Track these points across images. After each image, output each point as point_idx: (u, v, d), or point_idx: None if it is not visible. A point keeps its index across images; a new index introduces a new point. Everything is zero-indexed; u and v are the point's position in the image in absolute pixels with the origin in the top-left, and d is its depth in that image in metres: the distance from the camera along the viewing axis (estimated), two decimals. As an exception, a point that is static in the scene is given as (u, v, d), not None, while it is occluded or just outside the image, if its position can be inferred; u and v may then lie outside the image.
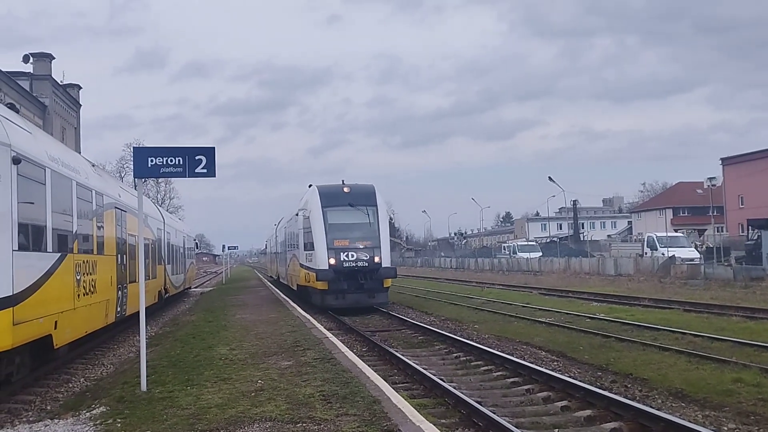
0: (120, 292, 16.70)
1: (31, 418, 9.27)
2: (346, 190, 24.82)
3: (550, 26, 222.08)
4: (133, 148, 11.36)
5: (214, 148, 10.06)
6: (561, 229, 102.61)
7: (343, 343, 14.07)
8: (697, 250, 44.51)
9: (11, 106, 12.75)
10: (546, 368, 11.85)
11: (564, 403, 9.62)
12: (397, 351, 14.47)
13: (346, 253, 23.16)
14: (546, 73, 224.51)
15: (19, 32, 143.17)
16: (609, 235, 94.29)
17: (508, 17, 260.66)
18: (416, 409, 8.02)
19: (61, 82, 48.38)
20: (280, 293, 31.48)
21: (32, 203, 10.47)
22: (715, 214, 55.36)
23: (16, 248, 9.59)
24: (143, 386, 9.70)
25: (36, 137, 11.54)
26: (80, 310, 12.80)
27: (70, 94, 50.85)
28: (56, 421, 8.60)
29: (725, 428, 8.29)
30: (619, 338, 15.05)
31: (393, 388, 9.28)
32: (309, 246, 24.54)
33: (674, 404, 9.46)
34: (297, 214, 27.04)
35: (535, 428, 8.51)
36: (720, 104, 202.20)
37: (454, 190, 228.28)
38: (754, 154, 63.46)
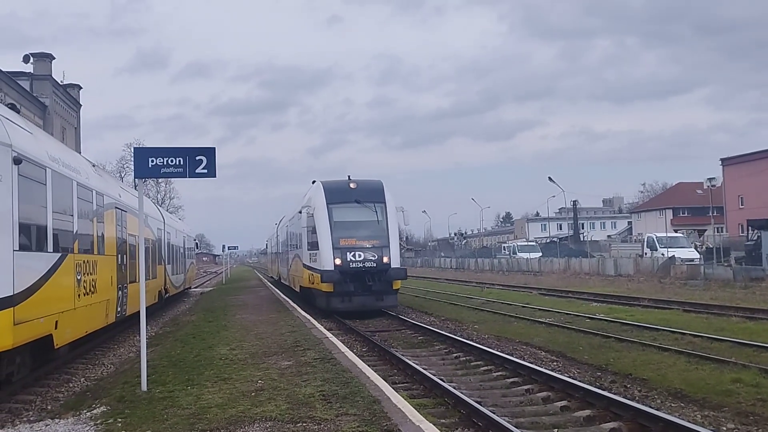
0: (120, 292, 16.72)
1: (31, 418, 9.28)
2: (352, 185, 23.41)
3: (550, 27, 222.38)
4: (134, 148, 11.38)
5: (214, 148, 10.09)
6: (561, 229, 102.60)
7: (343, 343, 14.08)
8: (697, 251, 44.51)
9: (12, 107, 12.77)
10: (546, 368, 11.87)
11: (563, 403, 9.63)
12: (397, 351, 14.49)
13: (352, 253, 21.82)
14: (546, 73, 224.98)
15: (21, 33, 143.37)
16: (609, 236, 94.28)
17: (509, 18, 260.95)
18: (416, 409, 8.03)
19: (61, 82, 48.39)
20: (280, 293, 31.49)
21: (33, 203, 10.48)
22: (715, 214, 55.33)
23: (17, 248, 9.60)
24: (144, 386, 9.72)
25: (37, 137, 11.56)
26: (80, 310, 12.81)
27: (70, 94, 50.86)
28: (57, 420, 8.62)
29: (724, 428, 8.30)
30: (618, 338, 15.06)
31: (393, 388, 9.29)
32: (313, 245, 23.14)
33: (673, 404, 9.47)
34: (300, 212, 25.33)
35: (535, 428, 8.52)
36: (720, 105, 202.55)
37: (454, 190, 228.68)
38: (753, 155, 63.44)
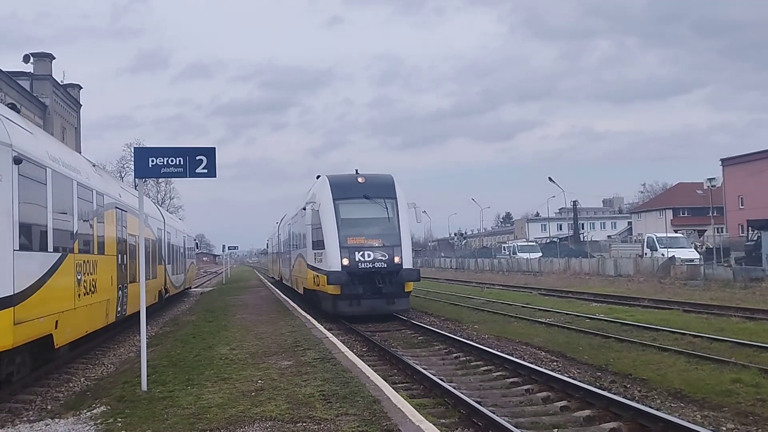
0: (120, 292, 16.72)
1: (31, 418, 9.29)
2: (360, 180, 21.85)
3: (550, 28, 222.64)
4: (134, 148, 11.37)
5: (214, 148, 10.09)
6: (561, 229, 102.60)
7: (343, 343, 14.08)
8: (697, 251, 44.48)
9: (12, 106, 12.78)
10: (545, 368, 11.87)
11: (563, 403, 9.64)
12: (397, 351, 14.49)
13: (361, 253, 20.26)
14: (546, 74, 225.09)
15: (23, 33, 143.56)
16: (609, 236, 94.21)
17: (509, 19, 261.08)
18: (416, 408, 8.04)
19: (61, 82, 48.38)
20: (281, 293, 31.47)
21: (33, 203, 10.48)
22: (714, 214, 55.29)
23: (17, 248, 9.60)
24: (144, 386, 9.72)
25: (37, 137, 11.56)
26: (81, 309, 12.81)
27: (70, 94, 50.85)
28: (57, 420, 8.62)
29: (724, 428, 8.31)
30: (618, 338, 15.06)
31: (393, 388, 9.30)
32: (318, 244, 21.54)
33: (673, 404, 9.48)
34: (304, 209, 23.71)
35: (535, 428, 8.53)
36: (719, 105, 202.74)
37: (454, 191, 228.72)
38: (753, 155, 63.45)
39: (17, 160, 9.65)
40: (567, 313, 20.92)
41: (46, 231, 10.97)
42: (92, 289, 13.68)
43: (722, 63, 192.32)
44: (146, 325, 10.68)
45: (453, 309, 24.01)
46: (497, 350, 14.09)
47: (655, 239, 47.82)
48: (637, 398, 9.82)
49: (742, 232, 53.17)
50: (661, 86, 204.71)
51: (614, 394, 9.82)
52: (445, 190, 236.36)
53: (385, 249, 20.50)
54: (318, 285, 21.65)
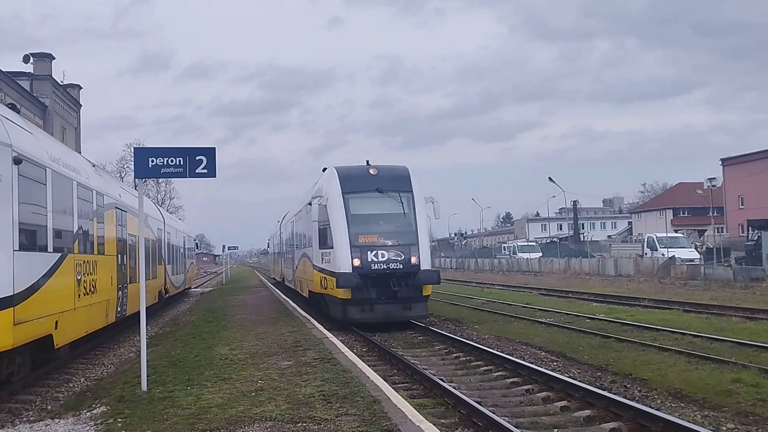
0: (120, 292, 16.72)
1: (31, 418, 9.29)
2: (372, 171, 19.75)
3: (550, 29, 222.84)
4: (134, 148, 11.37)
5: (214, 148, 10.09)
6: (561, 229, 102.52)
7: (343, 343, 14.08)
8: (697, 251, 44.47)
9: (12, 107, 12.78)
10: (546, 368, 11.86)
11: (563, 403, 9.63)
12: (397, 351, 14.49)
13: (374, 252, 18.22)
14: (546, 74, 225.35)
15: (25, 34, 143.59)
16: (609, 236, 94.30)
17: (509, 20, 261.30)
18: (416, 409, 8.04)
19: (61, 82, 48.37)
20: (281, 294, 31.46)
21: (33, 203, 10.48)
22: (715, 214, 55.31)
23: (17, 248, 9.60)
24: (144, 386, 9.72)
25: (37, 137, 11.56)
26: (81, 310, 12.81)
27: (70, 94, 50.85)
28: (57, 420, 8.62)
29: (724, 428, 8.30)
30: (618, 338, 15.05)
31: (393, 388, 9.30)
32: (326, 243, 19.39)
33: (673, 404, 9.47)
34: (310, 204, 21.44)
35: (535, 428, 8.53)
36: (719, 105, 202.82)
37: (454, 191, 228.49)
38: (753, 155, 63.47)
39: (17, 161, 9.65)
40: (567, 313, 20.91)
41: (46, 231, 10.96)
42: (92, 289, 13.68)
43: (722, 63, 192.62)
44: (146, 326, 10.67)
45: (453, 309, 23.99)
46: (497, 350, 14.08)
47: (655, 239, 47.82)
48: (637, 398, 9.82)
49: (742, 232, 53.13)
50: (661, 86, 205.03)
51: (614, 394, 9.82)
52: (445, 190, 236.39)
53: (400, 248, 18.54)
54: (325, 288, 19.58)
